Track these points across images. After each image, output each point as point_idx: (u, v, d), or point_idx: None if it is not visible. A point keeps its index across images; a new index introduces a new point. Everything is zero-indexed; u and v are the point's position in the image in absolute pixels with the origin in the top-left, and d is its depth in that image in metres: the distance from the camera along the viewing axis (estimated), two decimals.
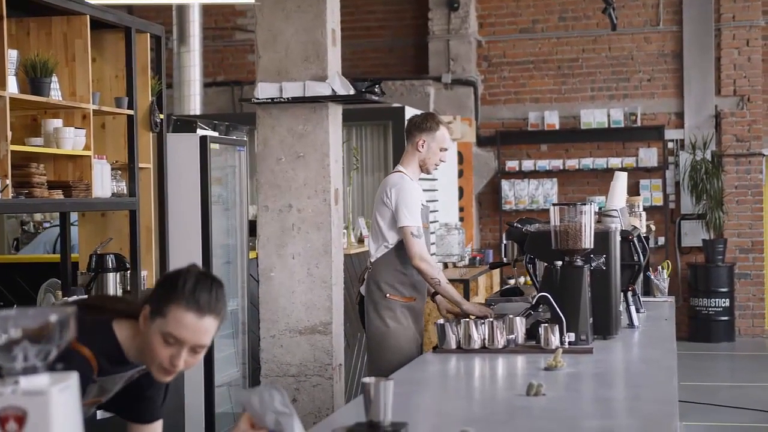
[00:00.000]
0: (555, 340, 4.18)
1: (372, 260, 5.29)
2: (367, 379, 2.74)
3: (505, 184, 12.90)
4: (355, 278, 7.68)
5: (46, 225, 8.60)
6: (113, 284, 5.40)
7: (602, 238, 4.54)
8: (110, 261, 5.41)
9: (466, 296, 8.80)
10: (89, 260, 5.46)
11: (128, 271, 5.56)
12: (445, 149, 5.32)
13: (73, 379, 1.78)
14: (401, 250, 5.14)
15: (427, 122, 5.30)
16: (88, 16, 5.12)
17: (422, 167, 5.29)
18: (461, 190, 12.41)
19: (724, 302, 12.21)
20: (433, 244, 9.85)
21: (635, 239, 5.07)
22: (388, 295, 5.19)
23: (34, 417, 1.71)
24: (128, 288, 5.57)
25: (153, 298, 2.62)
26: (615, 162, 12.55)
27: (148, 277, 5.82)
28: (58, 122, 4.97)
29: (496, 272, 11.39)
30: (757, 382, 10.02)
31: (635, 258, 5.00)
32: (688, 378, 9.81)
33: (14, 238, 8.81)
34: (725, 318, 12.25)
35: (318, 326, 5.69)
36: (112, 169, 5.46)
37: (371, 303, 5.24)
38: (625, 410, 3.22)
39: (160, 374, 2.64)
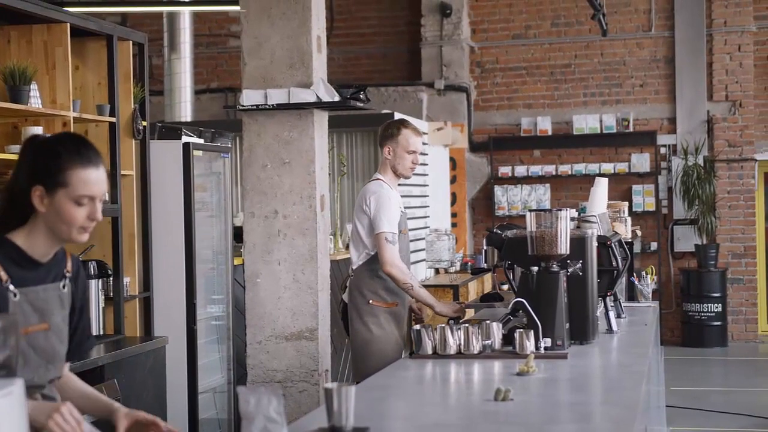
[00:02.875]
0: (530, 346, 4.19)
1: (353, 267, 5.35)
2: (328, 385, 2.76)
3: (498, 190, 12.91)
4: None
5: None
6: (95, 291, 5.41)
7: (579, 243, 4.55)
8: (92, 268, 5.42)
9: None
10: None
11: (110, 278, 5.57)
12: (413, 152, 5.34)
13: (17, 385, 1.79)
14: None
15: (388, 129, 5.37)
16: (68, 24, 5.14)
17: (396, 173, 5.35)
18: (454, 196, 12.43)
19: (717, 307, 12.22)
20: (422, 250, 9.88)
21: (615, 245, 5.08)
22: (370, 301, 5.24)
23: None
24: (111, 295, 5.59)
25: (40, 176, 2.67)
26: (607, 167, 12.57)
27: (131, 283, 5.83)
28: (38, 129, 4.99)
29: (488, 278, 11.40)
30: (749, 387, 10.03)
31: (613, 263, 5.01)
32: (680, 383, 9.83)
33: None
34: (718, 323, 12.25)
35: (304, 332, 5.70)
36: None
37: (354, 310, 5.28)
38: (589, 415, 3.22)
39: (79, 236, 2.72)
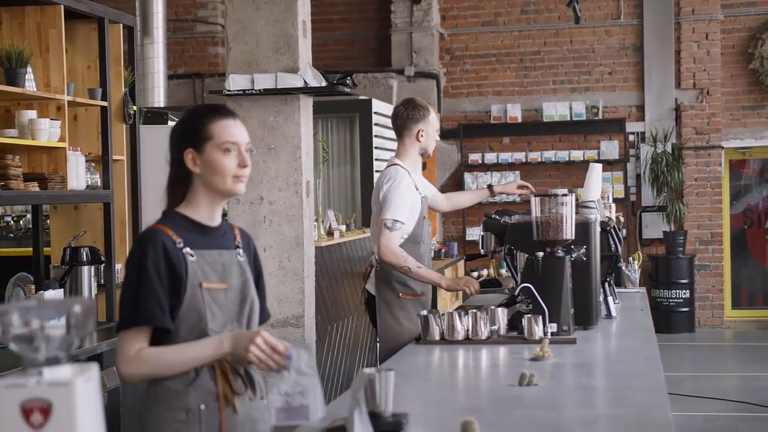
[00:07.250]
0: (539, 331, 4.19)
1: (378, 258, 5.10)
2: (368, 370, 2.74)
3: (468, 177, 12.93)
4: (326, 271, 7.66)
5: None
6: (87, 277, 5.33)
7: (582, 228, 4.56)
8: (85, 254, 5.34)
9: (433, 289, 8.78)
10: (63, 253, 5.39)
11: (103, 265, 5.49)
12: (437, 130, 5.33)
13: (94, 370, 1.76)
14: (409, 246, 5.06)
15: (419, 111, 5.23)
16: (62, 6, 5.05)
17: (423, 154, 5.29)
18: None
19: (685, 293, 12.35)
20: None
21: (612, 230, 5.10)
22: (401, 294, 5.09)
23: (59, 408, 1.69)
24: (102, 281, 5.51)
25: (189, 142, 2.85)
26: (577, 155, 12.64)
27: (122, 270, 5.75)
28: (32, 113, 4.89)
29: (461, 264, 11.43)
30: (717, 372, 10.15)
31: (613, 248, 5.03)
32: None
33: None
34: (685, 309, 12.38)
35: (290, 319, 5.68)
36: (86, 161, 5.39)
37: (383, 302, 5.12)
38: (618, 399, 3.23)
39: (236, 186, 2.85)
